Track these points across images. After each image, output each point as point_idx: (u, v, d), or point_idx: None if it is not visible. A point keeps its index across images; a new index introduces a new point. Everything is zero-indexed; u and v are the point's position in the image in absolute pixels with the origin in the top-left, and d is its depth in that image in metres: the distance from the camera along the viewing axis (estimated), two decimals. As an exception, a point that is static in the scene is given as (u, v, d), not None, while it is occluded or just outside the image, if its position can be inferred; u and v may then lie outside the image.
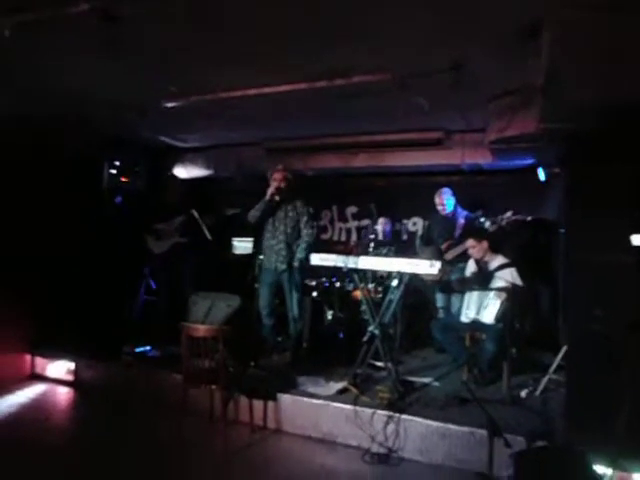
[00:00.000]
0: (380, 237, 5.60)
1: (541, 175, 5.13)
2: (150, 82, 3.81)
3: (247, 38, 2.99)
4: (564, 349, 3.74)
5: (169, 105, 4.25)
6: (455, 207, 5.18)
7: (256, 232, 5.29)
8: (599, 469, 2.59)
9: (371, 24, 2.75)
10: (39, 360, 5.04)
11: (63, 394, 4.65)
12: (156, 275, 5.68)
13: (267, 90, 3.74)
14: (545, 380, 3.92)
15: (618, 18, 2.00)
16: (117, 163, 5.63)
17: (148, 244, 5.34)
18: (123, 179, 5.78)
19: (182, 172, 6.59)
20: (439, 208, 5.20)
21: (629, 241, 2.65)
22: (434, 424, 3.31)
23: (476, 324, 4.18)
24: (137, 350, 4.75)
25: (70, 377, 4.81)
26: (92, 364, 4.74)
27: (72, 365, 4.82)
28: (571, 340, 3.39)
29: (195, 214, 5.06)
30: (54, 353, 4.96)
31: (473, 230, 4.60)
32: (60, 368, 4.89)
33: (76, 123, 4.72)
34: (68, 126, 4.76)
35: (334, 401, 3.67)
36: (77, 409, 4.44)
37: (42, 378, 4.94)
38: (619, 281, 2.84)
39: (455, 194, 5.26)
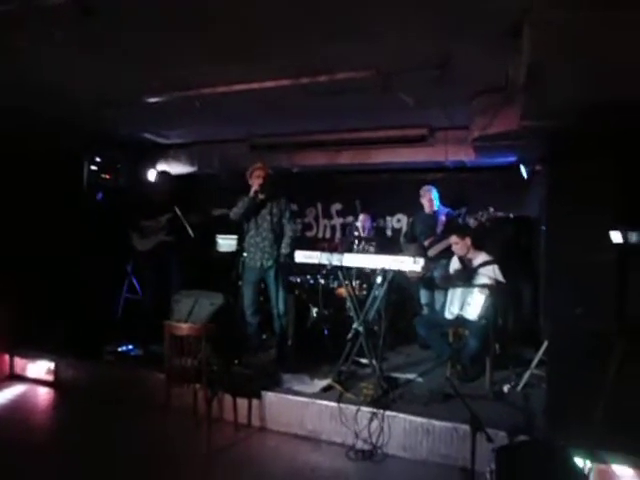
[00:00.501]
0: (361, 233, 5.60)
1: (523, 172, 5.20)
2: (131, 77, 3.74)
3: (231, 34, 2.96)
4: (545, 344, 3.79)
5: (151, 100, 4.19)
6: (438, 204, 5.23)
7: (240, 229, 5.26)
8: (579, 462, 2.63)
9: (355, 21, 2.74)
10: (18, 360, 4.93)
11: (43, 394, 4.57)
12: (140, 273, 5.60)
13: (251, 86, 3.70)
14: (527, 375, 3.97)
15: (599, 17, 2.02)
16: (98, 160, 5.55)
17: (132, 241, 5.25)
18: (104, 176, 5.70)
19: (165, 169, 6.50)
20: (426, 205, 5.22)
21: (609, 238, 2.69)
22: (418, 420, 3.33)
23: (459, 320, 4.22)
24: (119, 349, 4.69)
25: (50, 377, 4.73)
26: (73, 364, 4.66)
27: (52, 365, 4.73)
28: (552, 336, 3.44)
29: (178, 212, 4.99)
30: (34, 353, 4.86)
31: (456, 227, 4.64)
32: (40, 368, 4.80)
33: (56, 119, 4.62)
34: (48, 122, 4.66)
35: (318, 398, 3.67)
36: (58, 409, 4.36)
37: (22, 378, 4.84)
38: (599, 278, 2.88)
39: (438, 191, 5.30)
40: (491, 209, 4.75)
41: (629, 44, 2.16)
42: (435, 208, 5.17)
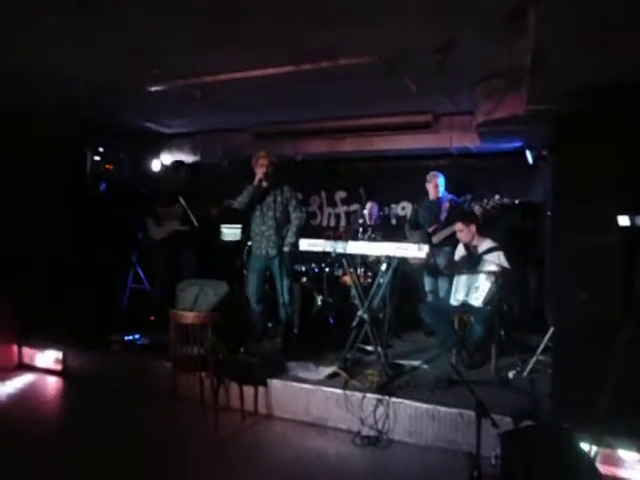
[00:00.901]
0: (368, 221, 5.59)
1: (529, 158, 5.15)
2: (134, 66, 3.72)
3: (232, 21, 2.92)
4: (551, 330, 3.79)
5: (152, 89, 4.17)
6: (444, 191, 5.19)
7: (244, 218, 5.26)
8: (585, 446, 2.64)
9: (357, 6, 2.69)
10: (26, 350, 4.99)
11: (52, 383, 4.62)
12: (150, 262, 5.63)
13: (253, 73, 3.67)
14: (532, 361, 3.97)
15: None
16: (101, 150, 5.54)
17: (148, 228, 5.30)
18: (107, 166, 5.69)
19: (168, 158, 6.51)
20: (431, 191, 5.17)
21: (615, 222, 2.66)
22: (423, 406, 3.34)
23: (465, 307, 4.21)
24: (126, 338, 4.73)
25: (58, 366, 4.78)
26: (80, 353, 4.71)
27: (60, 354, 4.78)
28: (557, 321, 3.43)
29: (182, 201, 5.00)
30: (42, 343, 4.92)
31: (461, 214, 4.61)
32: (48, 358, 4.85)
33: (58, 109, 4.60)
34: (50, 112, 4.65)
35: (324, 385, 3.68)
36: (66, 398, 4.41)
37: (30, 368, 4.90)
38: (605, 262, 2.86)
39: (444, 178, 5.27)
40: (496, 196, 4.71)
41: (631, 27, 2.12)
42: (440, 195, 5.13)
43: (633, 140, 2.91)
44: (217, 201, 5.88)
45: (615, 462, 2.82)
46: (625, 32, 2.26)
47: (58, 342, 4.84)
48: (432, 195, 5.17)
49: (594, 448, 2.67)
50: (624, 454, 2.83)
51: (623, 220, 2.60)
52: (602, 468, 2.64)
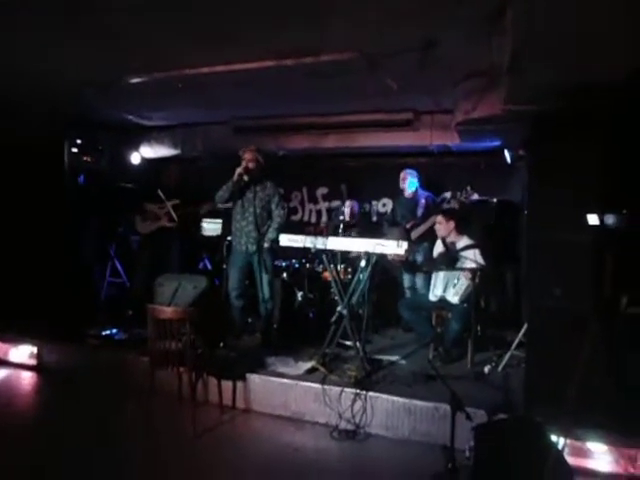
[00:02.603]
0: (348, 218, 5.62)
1: (507, 157, 5.24)
2: (114, 58, 3.67)
3: (215, 14, 2.90)
4: (525, 326, 3.87)
5: (132, 81, 4.12)
6: (417, 188, 5.25)
7: (225, 213, 5.24)
8: (554, 438, 2.71)
9: (340, 2, 2.70)
10: (0, 345, 4.88)
11: (26, 378, 4.53)
12: (134, 256, 5.56)
13: (235, 67, 3.66)
14: (507, 356, 4.06)
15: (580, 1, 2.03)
16: (79, 142, 5.45)
17: (135, 223, 5.26)
18: (85, 158, 5.61)
19: (148, 151, 6.43)
20: (402, 187, 5.26)
21: (587, 220, 2.74)
22: (400, 400, 3.39)
23: (442, 302, 4.28)
24: (103, 333, 4.68)
25: (33, 361, 4.69)
26: (56, 348, 4.62)
27: (35, 349, 4.69)
28: (531, 317, 3.51)
29: (161, 194, 4.95)
30: (15, 337, 4.81)
31: (444, 209, 4.68)
32: (22, 352, 4.75)
33: (37, 101, 4.51)
34: (29, 104, 4.55)
35: (303, 380, 3.70)
36: (41, 393, 4.34)
37: (4, 363, 4.78)
38: (576, 260, 2.95)
39: (421, 175, 5.33)
40: (468, 188, 4.79)
41: (605, 29, 2.18)
42: (410, 191, 5.20)
43: (605, 140, 2.99)
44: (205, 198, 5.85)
45: (583, 453, 2.91)
46: (598, 36, 2.32)
47: (33, 337, 4.74)
48: (405, 192, 5.24)
49: (563, 440, 2.75)
50: (591, 446, 2.92)
51: (592, 219, 2.68)
52: (571, 459, 2.72)
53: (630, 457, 2.92)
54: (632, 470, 2.89)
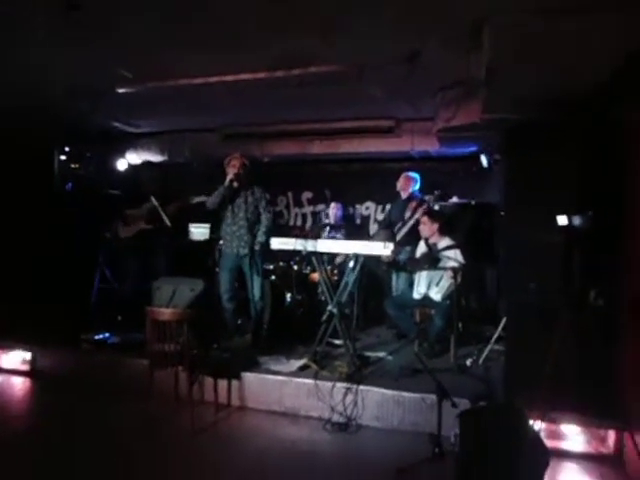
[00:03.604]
0: (332, 221, 5.81)
1: (484, 162, 5.51)
2: (106, 67, 3.77)
3: (207, 27, 3.06)
4: (503, 321, 4.12)
5: (122, 91, 4.22)
6: (414, 191, 5.47)
7: (212, 218, 5.37)
8: (532, 422, 2.94)
9: (328, 17, 2.89)
10: (-10, 351, 4.91)
11: (20, 384, 4.57)
12: (120, 261, 5.64)
13: (227, 78, 3.81)
14: (487, 350, 4.30)
15: (549, 23, 2.26)
16: (67, 149, 5.51)
17: (117, 230, 5.34)
18: (73, 165, 5.67)
19: (135, 158, 6.50)
20: (400, 190, 5.46)
21: (557, 221, 2.99)
22: (389, 392, 3.59)
23: (426, 300, 4.50)
24: (96, 337, 4.75)
25: (26, 367, 4.73)
26: (50, 353, 4.68)
27: (28, 355, 4.74)
28: (509, 312, 3.75)
29: (154, 201, 5.06)
30: (7, 343, 4.85)
31: (431, 211, 4.90)
32: (15, 358, 4.80)
33: (28, 109, 4.57)
34: (19, 112, 4.61)
35: (295, 377, 3.87)
36: (36, 398, 4.39)
37: (-5, 370, 4.83)
38: (548, 258, 3.20)
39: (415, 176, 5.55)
40: (436, 192, 5.03)
41: (572, 47, 2.42)
42: (409, 193, 5.41)
43: (575, 147, 3.25)
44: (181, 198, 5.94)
45: (558, 435, 3.16)
46: (564, 52, 2.57)
47: (24, 342, 4.78)
48: (402, 194, 5.46)
49: (540, 424, 2.98)
50: (565, 428, 3.17)
51: (562, 220, 2.93)
52: (547, 441, 2.95)
53: (600, 437, 3.18)
54: (602, 449, 3.15)
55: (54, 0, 2.42)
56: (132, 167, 6.21)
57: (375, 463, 3.17)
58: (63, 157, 5.42)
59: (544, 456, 2.70)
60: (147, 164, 5.82)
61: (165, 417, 3.74)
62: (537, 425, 2.95)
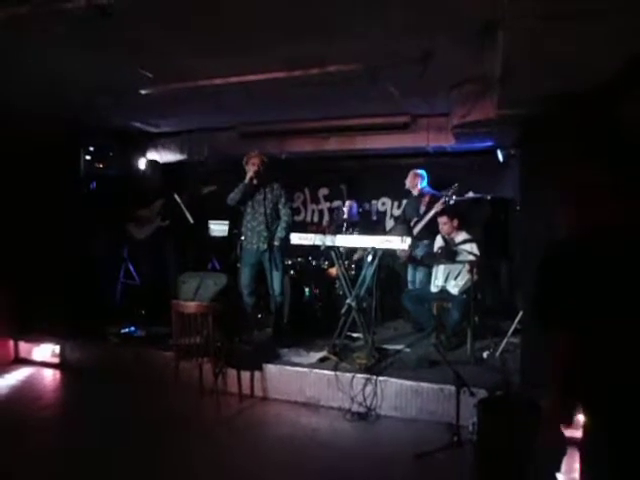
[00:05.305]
0: (347, 217, 5.90)
1: (500, 156, 5.54)
2: (130, 69, 3.90)
3: (230, 31, 3.16)
4: (520, 314, 4.18)
5: (147, 92, 4.36)
6: (424, 187, 5.54)
7: (232, 214, 5.51)
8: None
9: (344, 19, 2.97)
10: (23, 344, 5.12)
11: (50, 376, 4.78)
12: (139, 259, 5.81)
13: (247, 78, 3.91)
14: (504, 343, 4.36)
15: (560, 25, 2.32)
16: (91, 149, 5.68)
17: (130, 231, 5.49)
18: (98, 165, 5.84)
19: (155, 157, 6.65)
20: (409, 187, 5.54)
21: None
22: (407, 383, 3.69)
23: (443, 293, 4.58)
24: (122, 331, 4.92)
25: (56, 360, 4.93)
26: (78, 346, 4.87)
27: (57, 348, 4.94)
28: (525, 306, 3.81)
29: (177, 198, 5.21)
30: (38, 337, 5.06)
31: (448, 209, 4.97)
32: (45, 351, 5.00)
33: (53, 110, 4.74)
34: (44, 113, 4.78)
35: (316, 368, 3.99)
36: (67, 389, 4.58)
37: (27, 362, 5.03)
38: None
39: (429, 175, 5.61)
40: (454, 185, 5.08)
41: (584, 46, 2.47)
42: (420, 190, 5.48)
43: (587, 141, 3.29)
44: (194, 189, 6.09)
45: (574, 425, 3.21)
46: (575, 51, 2.62)
47: (54, 336, 4.99)
48: (414, 191, 5.54)
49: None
50: (580, 417, 3.22)
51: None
52: (564, 430, 3.01)
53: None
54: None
55: (87, 9, 2.53)
56: (151, 166, 6.35)
57: (394, 451, 3.27)
58: (88, 157, 5.58)
59: (561, 445, 2.77)
60: (153, 163, 5.96)
61: (191, 406, 3.90)
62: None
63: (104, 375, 4.51)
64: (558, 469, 2.71)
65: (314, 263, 5.56)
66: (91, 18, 2.59)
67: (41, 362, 4.99)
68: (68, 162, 5.41)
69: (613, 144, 1.58)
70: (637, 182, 1.47)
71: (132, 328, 4.98)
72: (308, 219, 7.07)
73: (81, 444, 3.38)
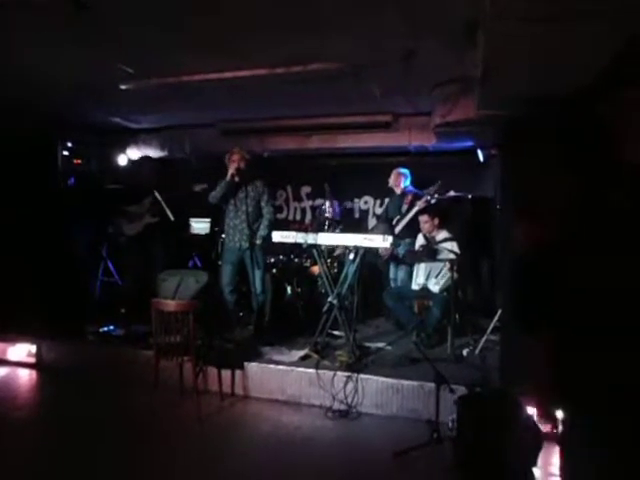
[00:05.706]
0: (330, 216, 5.91)
1: (480, 156, 5.61)
2: (109, 65, 3.83)
3: (212, 25, 3.13)
4: (499, 312, 4.24)
5: (127, 87, 4.29)
6: (407, 187, 5.57)
7: (213, 212, 5.46)
8: (526, 408, 3.06)
9: (327, 17, 2.97)
10: (-3, 344, 5.00)
11: (26, 376, 4.68)
12: (123, 257, 5.73)
13: (228, 75, 3.88)
14: (483, 340, 4.43)
15: (541, 27, 2.35)
16: (69, 145, 5.58)
17: (122, 227, 5.42)
18: (76, 161, 5.73)
19: (135, 153, 6.56)
20: (392, 186, 5.56)
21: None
22: (388, 381, 3.71)
23: (424, 291, 4.62)
24: (101, 330, 4.84)
25: (32, 359, 4.83)
26: (55, 345, 4.78)
27: (33, 347, 4.83)
28: (504, 304, 3.87)
29: (157, 196, 5.14)
30: (13, 336, 4.94)
31: (429, 208, 5.01)
32: (21, 351, 4.89)
33: (28, 105, 4.63)
34: (19, 108, 4.67)
35: (297, 366, 3.99)
36: (43, 389, 4.48)
37: (2, 362, 4.91)
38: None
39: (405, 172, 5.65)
40: (437, 182, 5.13)
41: (564, 49, 2.51)
42: (402, 189, 5.51)
43: (567, 142, 3.35)
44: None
45: (551, 420, 3.28)
46: (556, 53, 2.66)
47: (30, 335, 4.87)
48: (396, 190, 5.57)
49: (532, 409, 3.10)
50: (558, 413, 3.29)
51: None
52: (540, 426, 3.07)
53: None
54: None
55: (64, 1, 2.47)
56: (132, 162, 6.27)
57: (375, 448, 3.29)
58: (66, 152, 5.47)
59: (537, 440, 2.83)
60: (147, 159, 5.88)
61: (171, 406, 3.86)
62: (530, 410, 3.06)
63: (82, 375, 4.43)
64: (534, 463, 2.78)
65: (296, 261, 5.56)
66: (67, 10, 2.53)
67: (16, 362, 4.88)
68: (45, 157, 5.29)
69: (588, 148, 1.61)
70: (609, 182, 1.50)
71: (111, 327, 4.92)
72: (290, 217, 7.05)
73: (58, 445, 3.33)
